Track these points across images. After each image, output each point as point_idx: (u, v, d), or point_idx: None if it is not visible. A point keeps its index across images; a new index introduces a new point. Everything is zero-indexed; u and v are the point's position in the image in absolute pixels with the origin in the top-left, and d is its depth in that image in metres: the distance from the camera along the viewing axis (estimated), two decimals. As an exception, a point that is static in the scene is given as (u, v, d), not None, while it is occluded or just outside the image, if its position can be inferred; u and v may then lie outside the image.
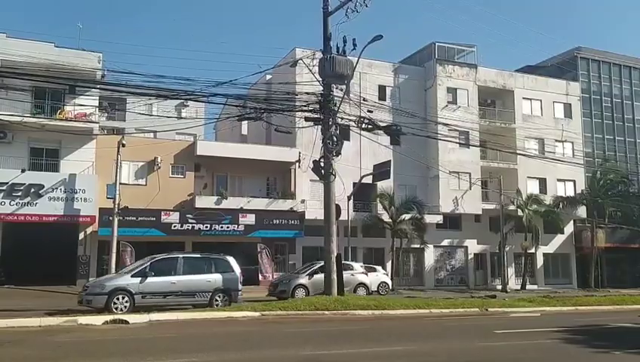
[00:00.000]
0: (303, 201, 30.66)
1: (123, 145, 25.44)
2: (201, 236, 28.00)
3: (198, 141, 31.09)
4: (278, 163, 30.92)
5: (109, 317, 12.78)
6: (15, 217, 25.03)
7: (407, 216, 31.49)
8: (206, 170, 30.23)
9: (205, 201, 29.02)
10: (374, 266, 27.77)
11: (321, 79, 18.10)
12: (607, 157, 40.94)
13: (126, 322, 12.63)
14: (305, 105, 18.39)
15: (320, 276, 19.57)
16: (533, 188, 37.81)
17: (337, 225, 19.39)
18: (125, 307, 14.71)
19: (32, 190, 25.25)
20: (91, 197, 26.08)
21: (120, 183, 25.36)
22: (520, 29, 78.55)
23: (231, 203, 29.29)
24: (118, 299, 14.77)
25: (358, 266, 24.68)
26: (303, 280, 21.54)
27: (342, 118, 19.03)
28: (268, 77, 32.82)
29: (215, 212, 28.46)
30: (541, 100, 39.44)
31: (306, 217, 29.55)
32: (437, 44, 36.94)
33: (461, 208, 34.97)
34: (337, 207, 19.84)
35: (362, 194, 31.64)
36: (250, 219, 28.82)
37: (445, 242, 35.84)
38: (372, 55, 30.97)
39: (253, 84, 28.55)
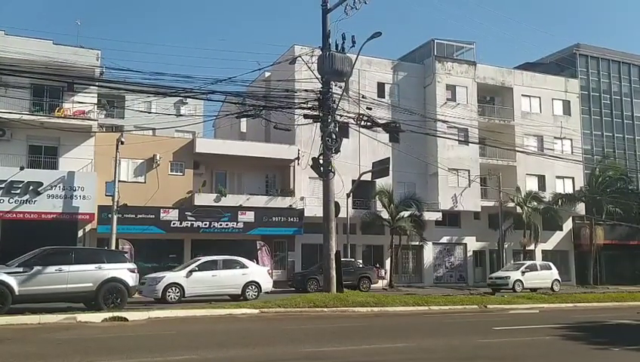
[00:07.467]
0: (302, 198, 30.65)
1: (122, 143, 25.43)
2: (200, 233, 28.02)
3: (197, 138, 31.11)
4: (277, 160, 30.92)
5: (108, 315, 12.79)
6: (14, 215, 24.98)
7: (406, 214, 31.50)
8: (205, 168, 30.22)
9: (204, 199, 28.99)
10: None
11: (320, 76, 18.11)
12: (606, 154, 40.88)
13: (125, 319, 12.65)
14: (304, 103, 18.40)
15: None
16: (532, 185, 37.83)
17: (336, 222, 19.43)
18: None
19: (31, 188, 25.19)
20: (90, 195, 26.04)
21: (119, 181, 25.36)
22: (519, 26, 78.60)
23: (230, 200, 29.27)
24: None
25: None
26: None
27: (341, 116, 19.03)
28: (267, 74, 32.84)
29: (214, 209, 28.45)
30: (540, 97, 39.43)
31: (305, 214, 29.57)
32: (436, 41, 36.89)
33: (460, 205, 34.98)
34: (336, 204, 19.90)
35: (361, 191, 31.65)
36: (250, 216, 28.82)
37: (444, 239, 35.87)
38: (371, 52, 31.04)
39: (252, 82, 28.44)
